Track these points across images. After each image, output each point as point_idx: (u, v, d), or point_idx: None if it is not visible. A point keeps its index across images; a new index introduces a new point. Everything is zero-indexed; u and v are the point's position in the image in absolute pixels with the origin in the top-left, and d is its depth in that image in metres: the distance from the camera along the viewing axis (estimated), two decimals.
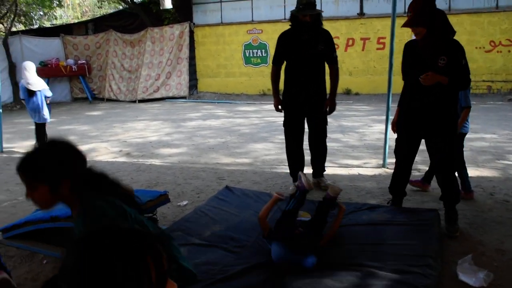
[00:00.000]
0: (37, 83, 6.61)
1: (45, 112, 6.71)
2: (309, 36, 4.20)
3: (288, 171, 4.68)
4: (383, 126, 5.33)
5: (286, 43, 4.29)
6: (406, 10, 3.47)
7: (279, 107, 4.50)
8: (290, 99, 4.38)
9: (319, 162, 4.60)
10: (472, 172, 4.97)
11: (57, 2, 18.47)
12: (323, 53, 4.28)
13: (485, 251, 3.09)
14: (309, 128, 4.51)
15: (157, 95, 14.42)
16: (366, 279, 2.49)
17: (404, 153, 3.62)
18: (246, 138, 7.64)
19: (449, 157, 3.40)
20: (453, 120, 3.41)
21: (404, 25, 3.25)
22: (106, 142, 7.80)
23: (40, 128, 6.78)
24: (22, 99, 6.90)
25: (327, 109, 4.46)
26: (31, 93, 6.57)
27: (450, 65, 3.21)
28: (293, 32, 4.27)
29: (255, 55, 14.28)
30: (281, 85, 4.46)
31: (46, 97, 6.72)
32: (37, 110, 6.64)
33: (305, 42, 4.20)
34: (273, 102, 4.58)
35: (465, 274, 2.67)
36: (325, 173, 4.67)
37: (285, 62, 4.41)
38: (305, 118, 4.42)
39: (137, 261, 0.80)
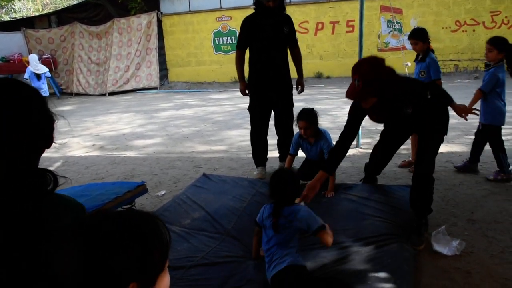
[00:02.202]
0: (42, 69, 10.14)
1: (46, 89, 10.25)
2: (273, 20, 4.23)
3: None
4: None
5: (250, 28, 4.30)
6: None
7: (246, 91, 4.52)
8: (257, 83, 4.40)
9: (286, 145, 4.66)
10: (442, 148, 5.12)
11: None
12: (288, 36, 4.35)
13: (457, 222, 3.21)
14: (276, 112, 4.54)
15: (127, 87, 14.18)
16: (346, 255, 2.55)
17: (380, 156, 3.64)
18: (220, 126, 7.63)
19: (429, 160, 3.03)
20: (440, 124, 3.04)
21: (349, 97, 2.87)
22: (78, 137, 7.64)
23: None
24: (26, 78, 9.71)
25: (298, 90, 4.58)
26: (38, 76, 10.12)
27: (418, 111, 2.89)
28: (257, 16, 4.28)
29: (225, 42, 14.19)
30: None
31: (47, 77, 10.34)
32: (40, 88, 9.60)
33: (270, 26, 4.23)
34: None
35: (439, 244, 2.78)
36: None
37: (247, 48, 4.42)
38: (271, 103, 4.45)
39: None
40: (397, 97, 2.83)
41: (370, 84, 2.70)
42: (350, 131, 3.15)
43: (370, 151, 5.24)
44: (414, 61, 4.48)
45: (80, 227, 0.81)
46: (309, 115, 3.76)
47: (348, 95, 2.83)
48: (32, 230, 0.91)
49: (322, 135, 3.83)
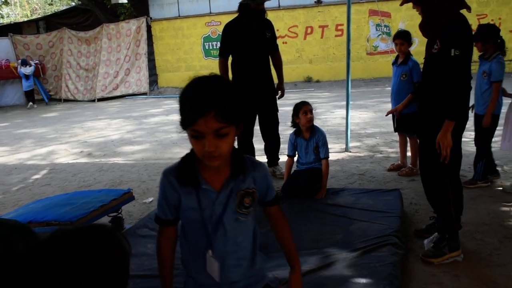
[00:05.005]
0: (30, 71, 13.22)
1: (32, 86, 13.48)
2: (256, 26, 4.22)
3: None
4: (344, 112, 5.41)
5: (233, 34, 4.27)
6: None
7: None
8: None
9: (274, 150, 4.64)
10: None
11: (3, 0, 17.64)
12: (270, 41, 4.36)
13: None
14: (261, 118, 4.51)
15: (116, 93, 14.09)
16: (333, 261, 2.52)
17: None
18: None
19: (429, 160, 2.67)
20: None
21: (401, 3, 2.70)
22: (66, 143, 7.55)
23: (31, 93, 13.42)
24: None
25: (279, 95, 4.56)
26: (27, 76, 13.12)
27: (442, 54, 2.42)
28: (241, 22, 4.26)
29: (214, 47, 14.17)
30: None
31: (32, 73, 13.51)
32: (28, 84, 13.25)
33: (254, 31, 4.22)
34: None
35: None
36: None
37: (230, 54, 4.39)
38: (256, 108, 4.41)
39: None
40: (438, 18, 2.45)
41: None
42: None
43: (360, 154, 5.26)
44: (392, 64, 4.42)
45: (34, 249, 0.79)
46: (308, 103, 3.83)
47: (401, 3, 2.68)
48: None
49: (317, 129, 3.85)
